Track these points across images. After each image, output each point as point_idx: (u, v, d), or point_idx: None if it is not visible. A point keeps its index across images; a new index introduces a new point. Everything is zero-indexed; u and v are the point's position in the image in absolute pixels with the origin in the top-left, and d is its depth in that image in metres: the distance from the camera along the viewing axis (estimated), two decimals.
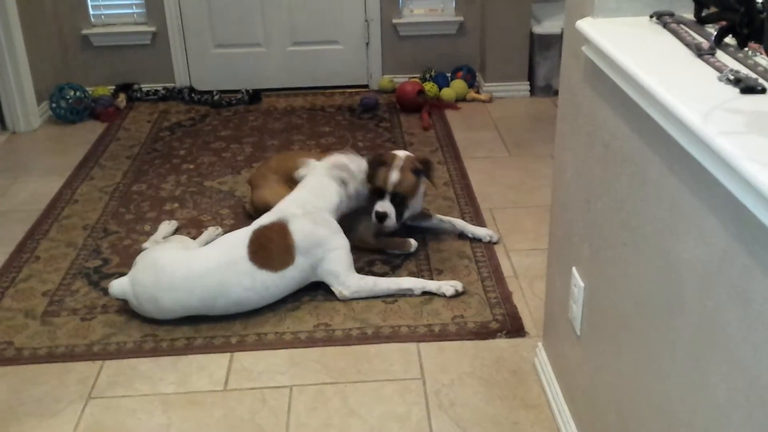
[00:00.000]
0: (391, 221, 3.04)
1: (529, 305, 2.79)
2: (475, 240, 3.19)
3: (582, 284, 1.98)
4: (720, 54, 1.51)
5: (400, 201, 3.06)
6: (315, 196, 2.91)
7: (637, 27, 1.72)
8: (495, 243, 3.14)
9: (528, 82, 4.88)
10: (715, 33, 1.54)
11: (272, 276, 2.74)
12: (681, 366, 1.41)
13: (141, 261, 2.78)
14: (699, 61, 1.49)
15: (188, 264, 2.72)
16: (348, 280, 2.82)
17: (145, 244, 3.15)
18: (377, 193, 3.06)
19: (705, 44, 1.53)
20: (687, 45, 1.57)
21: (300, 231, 2.78)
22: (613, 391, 1.79)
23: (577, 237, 2.02)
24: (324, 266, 2.82)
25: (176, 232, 3.30)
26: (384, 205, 3.04)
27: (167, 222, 3.34)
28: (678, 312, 1.41)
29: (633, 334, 1.65)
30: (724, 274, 1.23)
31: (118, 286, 2.76)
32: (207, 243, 3.09)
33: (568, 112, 2.06)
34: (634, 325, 1.64)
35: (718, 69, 1.42)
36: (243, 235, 2.79)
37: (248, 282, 2.71)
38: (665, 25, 1.69)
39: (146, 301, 2.69)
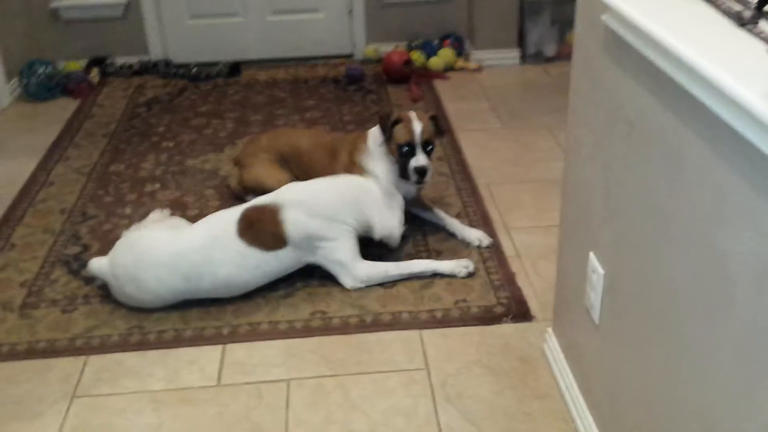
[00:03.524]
0: (430, 174, 2.88)
1: (534, 287, 2.67)
2: (474, 221, 3.06)
3: (602, 271, 1.85)
4: (763, 23, 1.37)
5: (429, 152, 2.90)
6: (320, 185, 2.73)
7: None
8: (486, 247, 2.89)
9: (518, 49, 4.73)
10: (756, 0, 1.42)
11: (264, 255, 2.59)
12: (726, 370, 1.29)
13: (120, 243, 2.64)
14: (741, 31, 1.35)
15: (173, 241, 2.58)
16: (356, 270, 2.66)
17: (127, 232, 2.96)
18: (405, 148, 2.85)
19: (747, 12, 1.39)
20: (725, 13, 1.42)
21: (291, 222, 2.61)
22: (641, 388, 1.67)
23: (595, 220, 1.89)
24: (324, 255, 2.66)
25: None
26: (419, 159, 2.84)
27: (159, 211, 3.11)
28: (725, 311, 1.28)
29: (665, 329, 1.53)
30: None
31: (96, 264, 2.64)
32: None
33: (584, 86, 1.92)
34: (667, 320, 1.51)
35: (767, 40, 1.28)
36: (233, 212, 2.65)
37: (237, 259, 2.56)
38: None
39: (127, 282, 2.55)
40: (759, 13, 1.38)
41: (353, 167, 2.98)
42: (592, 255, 1.92)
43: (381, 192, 2.75)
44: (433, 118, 2.95)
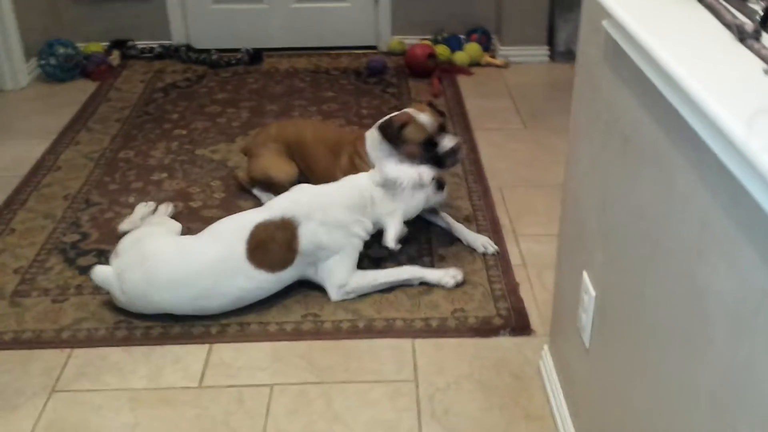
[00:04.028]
0: (462, 152, 2.85)
1: (536, 299, 2.56)
2: (482, 226, 2.95)
3: (593, 293, 1.74)
4: (766, 38, 1.24)
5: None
6: (334, 192, 2.60)
7: (667, 0, 1.45)
8: (491, 254, 2.76)
9: (548, 47, 4.58)
10: (761, 11, 1.29)
11: (268, 276, 2.49)
12: (704, 412, 1.18)
13: (127, 251, 2.49)
14: (741, 46, 1.23)
15: (183, 260, 2.45)
16: (348, 284, 2.55)
17: (122, 226, 2.89)
18: (427, 144, 2.77)
19: (749, 26, 1.27)
20: (727, 25, 1.30)
21: (308, 237, 2.49)
22: (625, 418, 1.57)
23: (590, 239, 1.78)
24: (324, 265, 2.55)
25: (161, 206, 3.07)
26: (447, 142, 2.77)
27: (144, 204, 3.05)
28: (702, 349, 1.17)
29: (648, 361, 1.41)
30: (764, 319, 0.99)
31: (101, 274, 2.49)
32: (142, 219, 2.91)
33: (585, 94, 1.80)
34: (650, 351, 1.40)
35: (765, 59, 1.16)
36: (241, 228, 2.50)
37: (243, 282, 2.46)
38: (701, 0, 1.42)
39: (137, 297, 2.45)
40: (762, 26, 1.26)
41: (353, 171, 2.87)
42: (585, 275, 1.80)
43: (380, 190, 2.59)
44: (430, 105, 2.91)
